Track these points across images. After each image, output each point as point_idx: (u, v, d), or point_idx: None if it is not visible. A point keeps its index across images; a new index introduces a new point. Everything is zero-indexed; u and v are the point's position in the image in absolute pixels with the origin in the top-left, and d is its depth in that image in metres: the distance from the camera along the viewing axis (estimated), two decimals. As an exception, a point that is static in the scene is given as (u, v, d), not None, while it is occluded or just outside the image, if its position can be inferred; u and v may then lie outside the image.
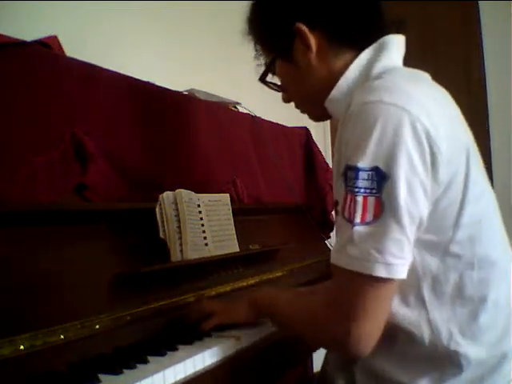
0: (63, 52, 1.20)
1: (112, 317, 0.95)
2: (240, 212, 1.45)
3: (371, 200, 0.75)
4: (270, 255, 1.53)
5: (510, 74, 2.40)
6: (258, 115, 1.78)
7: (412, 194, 0.75)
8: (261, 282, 1.40)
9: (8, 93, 0.94)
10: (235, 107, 1.75)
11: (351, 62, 0.89)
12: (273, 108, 2.34)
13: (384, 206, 0.75)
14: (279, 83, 1.04)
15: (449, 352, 0.82)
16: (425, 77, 0.91)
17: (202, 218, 1.27)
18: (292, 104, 1.05)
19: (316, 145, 2.12)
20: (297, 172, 1.99)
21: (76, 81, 1.09)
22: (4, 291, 0.81)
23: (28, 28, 1.20)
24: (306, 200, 1.98)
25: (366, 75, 0.87)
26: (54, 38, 1.17)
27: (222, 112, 1.60)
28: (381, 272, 0.74)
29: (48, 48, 1.10)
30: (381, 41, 0.89)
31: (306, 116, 1.06)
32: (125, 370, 0.82)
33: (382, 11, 0.94)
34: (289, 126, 2.04)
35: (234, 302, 1.08)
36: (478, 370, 0.82)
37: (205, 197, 1.31)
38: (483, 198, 0.85)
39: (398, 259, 0.75)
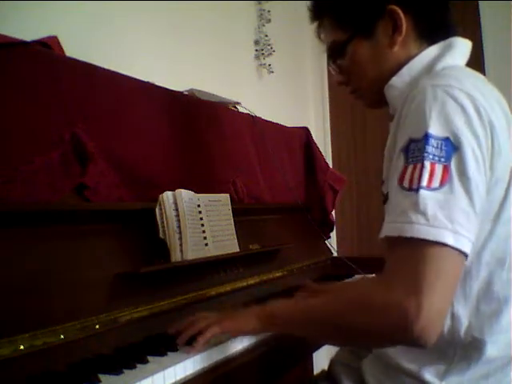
0: (63, 52, 1.19)
1: (112, 317, 0.95)
2: (240, 212, 1.45)
3: (439, 167, 0.74)
4: (269, 255, 1.53)
5: (511, 74, 2.40)
6: (258, 115, 1.78)
7: (479, 169, 0.75)
8: (261, 282, 1.41)
9: (8, 93, 0.94)
10: (235, 107, 1.75)
11: (418, 53, 0.92)
12: (273, 108, 2.35)
13: (452, 175, 0.73)
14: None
15: (463, 346, 0.82)
16: (483, 78, 0.93)
17: (202, 218, 1.27)
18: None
19: (316, 145, 2.12)
20: (297, 172, 1.99)
21: (76, 81, 1.09)
22: (4, 291, 0.81)
23: (28, 28, 1.20)
24: (305, 200, 1.98)
25: (430, 69, 0.90)
26: (54, 38, 1.17)
27: (221, 112, 1.60)
28: (449, 239, 0.70)
29: (48, 48, 1.10)
30: (449, 40, 0.92)
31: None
32: (125, 370, 0.82)
33: (451, 11, 0.97)
34: (289, 126, 2.05)
35: (236, 314, 0.97)
36: (485, 367, 0.83)
37: (205, 197, 1.31)
38: None
39: (466, 231, 0.72)
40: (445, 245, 0.71)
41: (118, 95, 1.21)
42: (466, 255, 0.73)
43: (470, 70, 0.92)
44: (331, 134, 3.09)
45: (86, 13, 1.52)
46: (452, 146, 0.74)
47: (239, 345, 1.00)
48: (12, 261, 0.86)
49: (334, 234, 2.34)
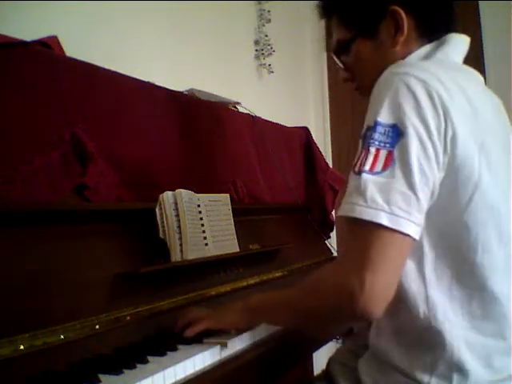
0: (63, 52, 1.20)
1: (112, 317, 0.95)
2: (240, 212, 1.45)
3: (383, 152, 0.78)
4: (269, 255, 1.53)
5: (510, 73, 2.40)
6: (258, 115, 1.78)
7: (426, 154, 0.77)
8: (261, 282, 1.40)
9: (8, 93, 0.94)
10: (235, 107, 1.75)
11: (414, 51, 0.93)
12: (273, 108, 2.35)
13: (395, 160, 0.77)
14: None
15: (441, 332, 0.82)
16: (468, 72, 0.94)
17: (202, 218, 1.27)
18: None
19: (316, 145, 2.12)
20: (297, 172, 1.99)
21: (76, 81, 1.09)
22: (4, 291, 0.81)
23: (28, 28, 1.20)
24: (305, 200, 1.98)
25: None
26: (54, 38, 1.17)
27: (221, 112, 1.60)
28: (385, 221, 0.74)
29: (48, 48, 1.10)
30: (444, 37, 0.93)
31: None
32: (125, 370, 0.82)
33: (454, 9, 0.98)
34: (289, 126, 2.05)
35: (223, 309, 1.05)
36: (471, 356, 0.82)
37: (205, 197, 1.31)
38: (497, 189, 0.84)
39: (404, 213, 0.75)
40: (381, 225, 0.75)
41: (118, 95, 1.21)
42: (409, 236, 0.76)
43: (450, 63, 0.92)
44: (331, 134, 3.09)
45: (86, 13, 1.52)
46: (397, 133, 0.78)
47: (239, 345, 1.00)
48: (12, 261, 0.86)
49: (334, 234, 2.34)
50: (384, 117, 0.79)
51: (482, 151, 0.82)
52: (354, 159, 0.82)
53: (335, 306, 0.81)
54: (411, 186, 0.76)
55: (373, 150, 0.78)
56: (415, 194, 0.76)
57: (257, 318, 1.01)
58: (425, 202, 0.78)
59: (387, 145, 0.78)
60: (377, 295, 0.75)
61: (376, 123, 0.79)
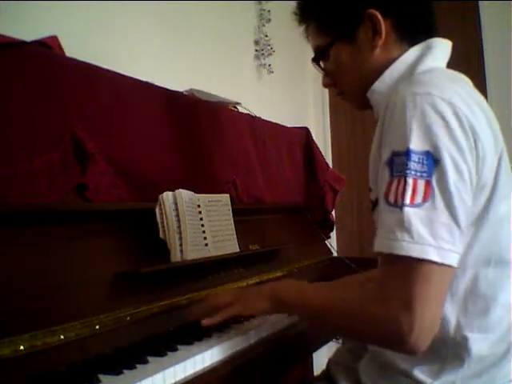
0: (63, 52, 1.20)
1: (112, 317, 0.95)
2: (240, 212, 1.45)
3: (421, 182, 0.75)
4: (269, 255, 1.53)
5: (510, 73, 2.40)
6: (257, 115, 1.78)
7: (462, 178, 0.76)
8: (261, 282, 1.40)
9: (8, 93, 0.94)
10: (235, 107, 1.75)
11: (399, 56, 0.92)
12: (273, 108, 2.35)
13: (434, 190, 0.75)
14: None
15: (454, 344, 0.83)
16: (464, 79, 0.94)
17: (202, 218, 1.27)
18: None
19: (316, 145, 2.12)
20: (297, 172, 1.99)
21: (76, 81, 1.09)
22: (4, 291, 0.81)
23: (28, 28, 1.20)
24: (305, 200, 1.98)
25: (411, 71, 0.91)
26: (54, 38, 1.17)
27: (221, 112, 1.60)
28: (434, 256, 0.73)
29: (48, 48, 1.10)
30: (429, 41, 0.92)
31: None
32: (125, 370, 0.82)
33: (434, 12, 0.97)
34: (289, 126, 2.05)
35: (252, 294, 1.01)
36: (478, 365, 0.83)
37: (205, 197, 1.31)
38: (507, 200, 0.85)
39: (450, 245, 0.74)
40: (430, 261, 0.73)
41: (118, 95, 1.20)
42: (453, 266, 0.75)
43: (449, 72, 0.92)
44: (331, 134, 3.09)
45: (86, 13, 1.52)
46: (433, 160, 0.75)
47: (239, 345, 1.00)
48: (12, 261, 0.86)
49: (333, 234, 2.34)
50: (416, 144, 0.76)
51: (498, 167, 0.82)
52: (383, 187, 0.79)
53: (382, 339, 0.80)
54: (453, 216, 0.75)
55: (410, 180, 0.75)
56: (457, 223, 0.75)
57: (286, 311, 1.00)
58: (464, 228, 0.77)
59: (424, 174, 0.75)
60: (425, 333, 0.74)
61: (409, 151, 0.76)
